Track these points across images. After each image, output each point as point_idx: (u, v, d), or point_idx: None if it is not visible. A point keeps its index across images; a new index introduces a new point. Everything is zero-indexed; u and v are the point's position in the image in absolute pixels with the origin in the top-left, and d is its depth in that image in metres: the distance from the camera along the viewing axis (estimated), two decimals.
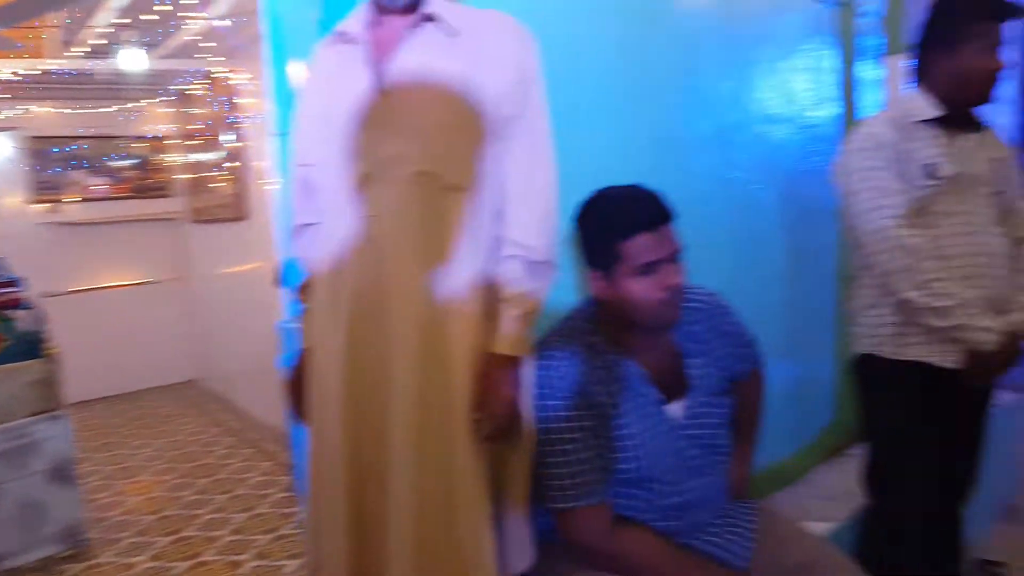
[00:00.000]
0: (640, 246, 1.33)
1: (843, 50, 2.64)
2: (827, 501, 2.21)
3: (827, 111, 2.58)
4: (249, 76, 4.33)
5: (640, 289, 1.34)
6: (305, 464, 1.41)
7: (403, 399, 1.23)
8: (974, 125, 1.80)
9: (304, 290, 1.42)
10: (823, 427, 2.60)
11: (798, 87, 2.47)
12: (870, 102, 2.68)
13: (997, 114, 3.43)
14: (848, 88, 2.66)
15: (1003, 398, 2.67)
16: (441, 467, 1.24)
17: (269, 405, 4.14)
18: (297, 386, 1.42)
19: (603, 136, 1.84)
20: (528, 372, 1.33)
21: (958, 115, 1.77)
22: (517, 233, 1.27)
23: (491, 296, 1.28)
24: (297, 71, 1.58)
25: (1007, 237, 1.80)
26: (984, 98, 1.74)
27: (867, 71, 2.72)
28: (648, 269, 1.34)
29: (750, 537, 1.47)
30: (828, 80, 2.59)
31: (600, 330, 1.42)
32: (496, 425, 1.25)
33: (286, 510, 3.30)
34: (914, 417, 1.79)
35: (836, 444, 2.55)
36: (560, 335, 1.42)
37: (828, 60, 2.58)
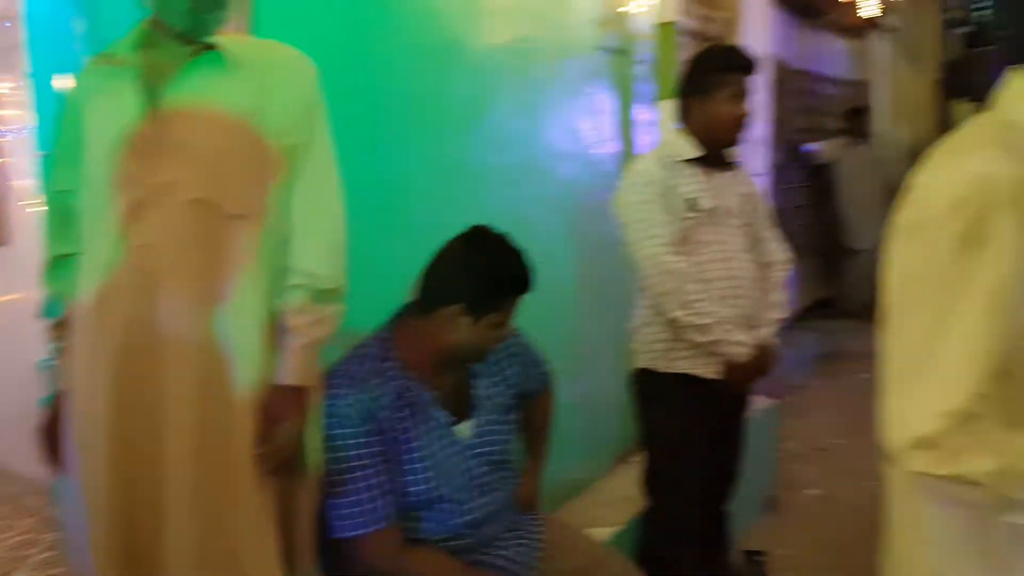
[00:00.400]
0: (507, 307, 1.48)
1: (621, 94, 2.89)
2: (610, 507, 2.37)
3: (609, 149, 2.81)
4: (11, 86, 3.89)
5: (486, 342, 1.47)
6: (71, 518, 1.29)
7: (179, 441, 1.17)
8: (727, 164, 2.05)
9: (58, 327, 1.31)
10: (613, 437, 2.80)
11: (583, 127, 2.67)
12: (645, 141, 2.96)
13: (748, 154, 3.93)
14: (626, 128, 2.91)
15: (759, 403, 3.03)
16: (223, 508, 1.18)
17: (31, 454, 3.68)
18: (51, 431, 1.31)
19: (401, 168, 1.88)
20: (316, 401, 1.32)
21: (714, 155, 2.01)
22: (303, 262, 1.26)
23: (276, 326, 1.25)
24: (61, 84, 1.46)
25: (756, 262, 2.06)
26: (733, 140, 2.00)
27: (643, 113, 3.00)
28: (500, 326, 1.47)
29: (537, 547, 1.56)
30: (609, 121, 2.82)
31: (393, 356, 1.45)
32: (282, 458, 1.22)
33: (51, 572, 2.94)
34: (685, 424, 1.99)
35: (623, 453, 2.75)
36: (351, 362, 1.43)
37: (608, 102, 2.81)
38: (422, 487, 1.42)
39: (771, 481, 3.25)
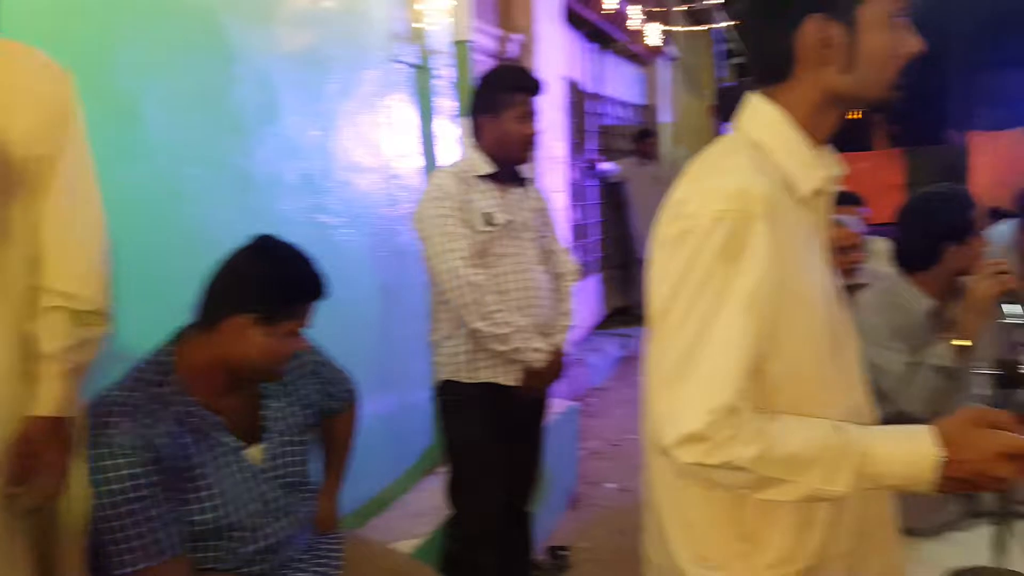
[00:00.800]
0: (304, 316, 1.42)
1: (422, 108, 2.93)
2: (417, 518, 2.38)
3: (411, 163, 2.83)
4: None
5: (280, 351, 1.40)
6: None
7: None
8: (520, 180, 2.15)
9: None
10: (422, 451, 2.81)
11: (383, 139, 2.67)
12: (449, 156, 3.01)
13: (547, 172, 4.14)
14: (429, 143, 2.95)
15: (559, 406, 3.19)
16: None
17: None
18: None
19: (178, 177, 1.77)
20: (80, 433, 1.21)
21: (507, 171, 2.09)
22: (57, 282, 1.16)
23: (29, 353, 1.14)
24: None
25: (549, 273, 2.17)
26: (523, 158, 2.09)
27: (445, 128, 3.06)
28: (294, 334, 1.40)
29: (337, 567, 1.53)
30: (411, 134, 2.84)
31: (172, 379, 1.36)
32: (42, 497, 1.11)
33: None
34: (488, 432, 2.05)
35: (432, 465, 2.77)
36: (124, 388, 1.32)
37: (410, 116, 2.84)
38: (210, 515, 1.35)
39: (573, 479, 3.43)
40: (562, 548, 2.77)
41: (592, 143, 6.11)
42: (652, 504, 1.05)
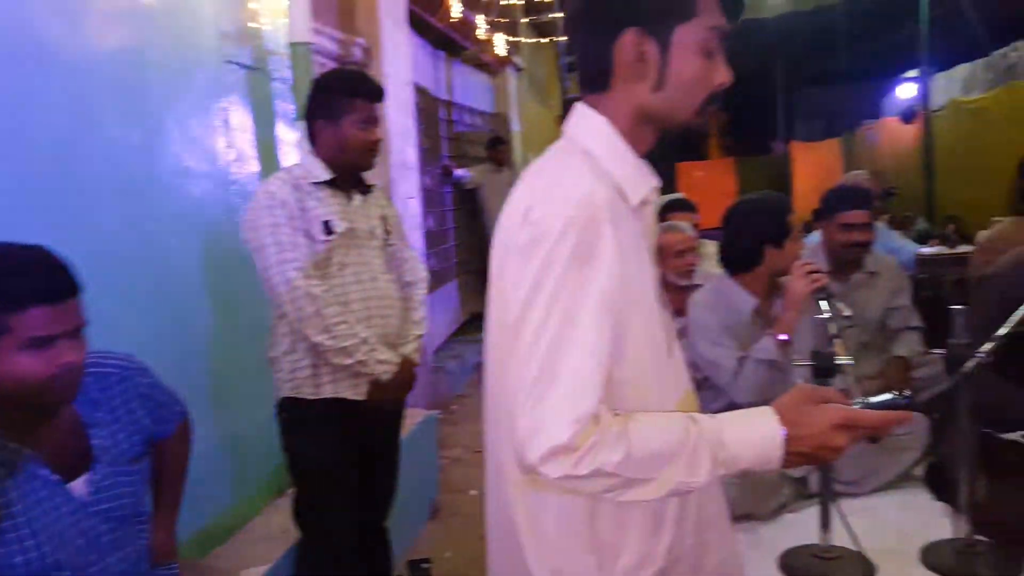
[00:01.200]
0: (33, 319, 1.18)
1: (259, 111, 2.79)
2: (265, 543, 2.27)
3: (247, 168, 2.68)
4: None
5: (27, 366, 1.19)
6: None
7: None
8: (363, 186, 2.08)
9: None
10: (269, 471, 2.67)
11: (217, 144, 2.52)
12: (289, 161, 2.89)
13: (399, 178, 4.08)
14: (267, 148, 2.82)
15: (417, 416, 3.15)
16: None
17: None
18: None
19: None
20: None
21: (347, 178, 2.02)
22: None
23: None
24: None
25: (398, 282, 2.12)
26: (365, 165, 2.03)
27: (284, 133, 2.93)
28: (40, 344, 1.19)
29: None
30: (247, 139, 2.70)
31: None
32: None
33: None
34: (335, 449, 1.97)
35: (281, 487, 2.63)
36: None
37: (244, 119, 2.69)
38: (32, 555, 1.22)
39: (434, 488, 3.39)
40: (424, 560, 2.72)
41: (445, 150, 6.11)
42: (502, 515, 1.02)
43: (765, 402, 0.94)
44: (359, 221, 2.01)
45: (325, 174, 1.96)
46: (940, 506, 1.65)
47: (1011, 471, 1.50)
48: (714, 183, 12.28)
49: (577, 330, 0.84)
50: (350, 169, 2.01)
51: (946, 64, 8.91)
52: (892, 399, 0.92)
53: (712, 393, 2.04)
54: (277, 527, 2.34)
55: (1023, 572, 1.41)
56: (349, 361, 1.89)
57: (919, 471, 1.89)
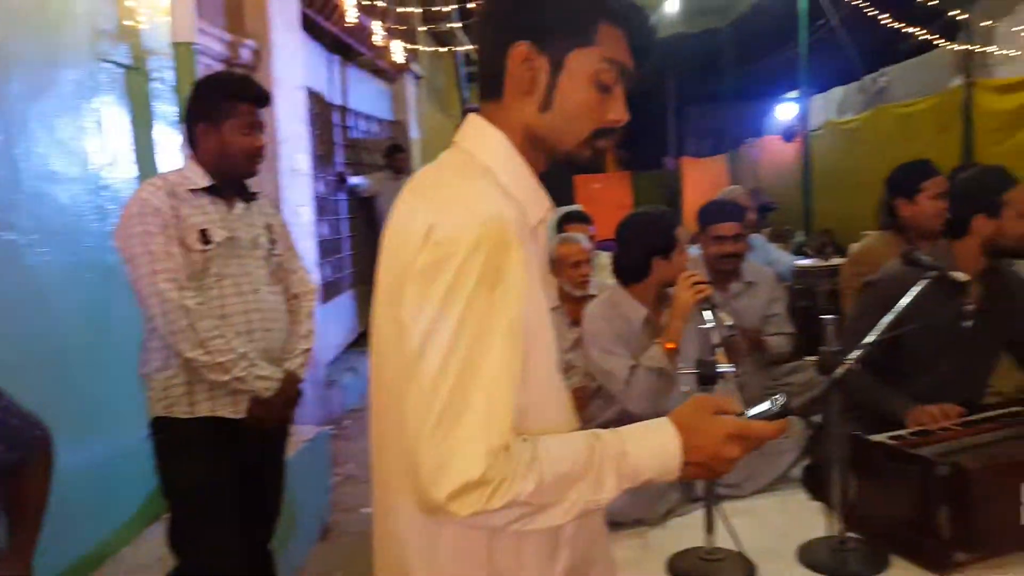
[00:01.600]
0: None
1: (136, 113, 2.64)
2: (139, 573, 2.13)
3: (123, 173, 2.53)
4: None
5: None
6: None
7: None
8: (246, 194, 1.99)
9: None
10: (143, 498, 2.50)
11: (88, 146, 2.36)
12: (170, 166, 2.74)
13: (289, 185, 3.96)
14: (145, 151, 2.66)
15: (306, 432, 3.04)
16: None
17: None
18: None
19: None
20: None
21: (230, 184, 1.92)
22: None
23: None
24: None
25: (283, 294, 2.04)
26: (248, 171, 1.94)
27: (165, 136, 2.78)
28: None
29: None
30: (122, 142, 2.55)
31: None
32: None
33: None
34: (211, 471, 1.86)
35: (156, 513, 2.48)
36: None
37: (121, 121, 2.54)
38: None
39: (325, 508, 3.28)
40: None
41: (340, 156, 5.98)
42: (392, 550, 0.96)
43: (658, 411, 0.94)
44: (241, 230, 1.92)
45: (204, 180, 1.86)
46: (816, 505, 1.72)
47: (879, 471, 1.58)
48: (611, 195, 12.60)
49: (488, 358, 0.80)
50: (232, 176, 1.92)
51: (823, 87, 9.50)
52: (769, 409, 0.94)
53: (606, 401, 2.07)
54: (151, 556, 2.20)
55: (889, 567, 1.50)
56: (226, 377, 1.80)
57: (797, 472, 1.98)
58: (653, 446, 0.89)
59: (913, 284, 1.59)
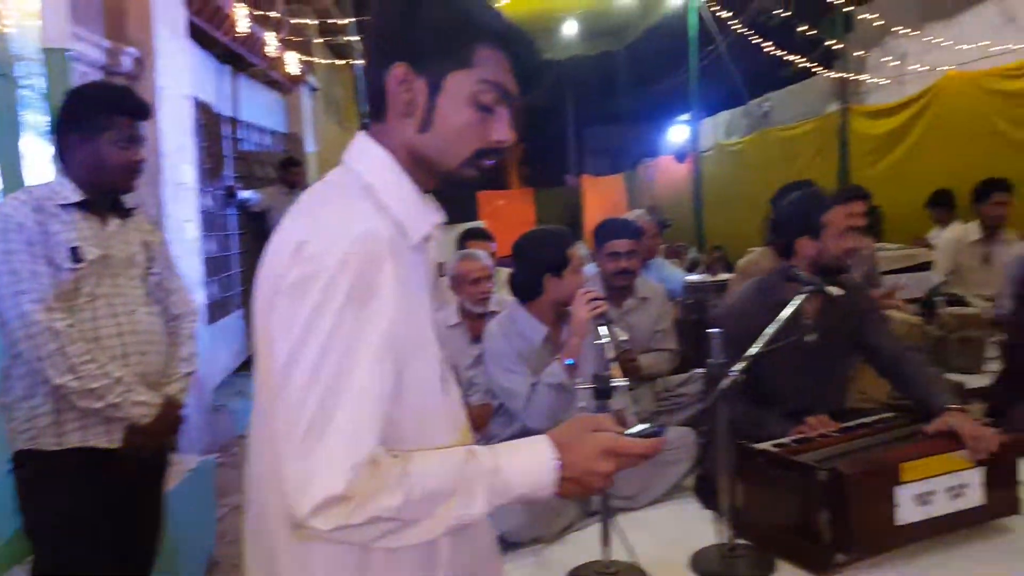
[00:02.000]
0: None
1: (2, 121, 2.45)
2: None
3: None
4: None
5: None
6: None
7: None
8: (121, 210, 1.87)
9: None
10: (10, 536, 2.30)
11: None
12: (40, 179, 2.56)
13: (174, 199, 3.77)
14: (8, 163, 2.47)
15: (189, 462, 2.88)
16: None
17: None
18: None
19: None
20: None
21: (103, 200, 1.81)
22: None
23: None
24: None
25: (162, 315, 1.92)
26: (126, 187, 1.83)
27: (34, 147, 2.59)
28: None
29: None
30: None
31: None
32: None
33: None
34: (80, 507, 1.72)
35: (18, 556, 2.27)
36: None
37: None
38: None
39: (211, 540, 3.11)
40: None
41: (229, 169, 5.75)
42: (264, 560, 0.94)
43: (555, 427, 0.95)
44: (115, 248, 1.80)
45: (75, 195, 1.74)
46: (708, 514, 1.77)
47: (763, 478, 1.64)
48: (514, 212, 12.74)
49: (355, 374, 0.81)
50: (106, 191, 1.80)
51: (712, 110, 9.99)
52: (649, 428, 0.97)
53: (507, 419, 2.07)
54: None
55: (774, 571, 1.55)
56: (99, 404, 1.67)
57: (689, 482, 2.04)
58: (526, 462, 0.90)
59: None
